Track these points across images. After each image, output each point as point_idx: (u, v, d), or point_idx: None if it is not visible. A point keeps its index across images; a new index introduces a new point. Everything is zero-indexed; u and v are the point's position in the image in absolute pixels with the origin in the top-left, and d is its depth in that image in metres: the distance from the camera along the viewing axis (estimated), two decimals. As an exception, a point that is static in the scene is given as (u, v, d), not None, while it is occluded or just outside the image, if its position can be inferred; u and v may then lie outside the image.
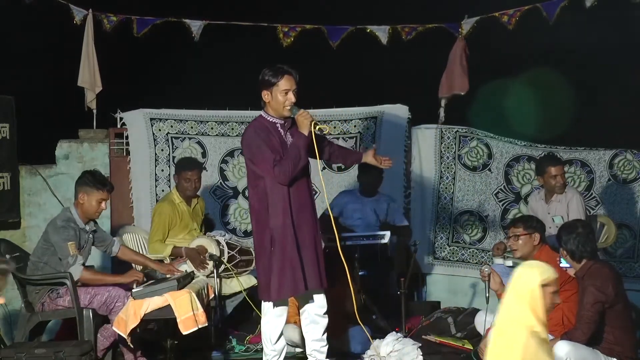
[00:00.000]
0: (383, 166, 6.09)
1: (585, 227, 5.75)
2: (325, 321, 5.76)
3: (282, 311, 5.77)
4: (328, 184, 8.27)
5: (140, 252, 7.44)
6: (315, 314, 5.75)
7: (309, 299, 5.77)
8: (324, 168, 8.43)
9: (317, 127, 5.59)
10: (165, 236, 7.22)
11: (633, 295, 6.96)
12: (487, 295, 6.12)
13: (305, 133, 5.55)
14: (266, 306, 5.76)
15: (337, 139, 8.55)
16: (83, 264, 6.23)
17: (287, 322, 6.55)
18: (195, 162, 7.60)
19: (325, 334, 5.77)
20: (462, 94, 8.65)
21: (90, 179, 6.35)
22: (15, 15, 8.73)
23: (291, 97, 5.60)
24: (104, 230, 6.79)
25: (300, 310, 5.84)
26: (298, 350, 6.50)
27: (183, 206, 7.33)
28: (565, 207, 7.16)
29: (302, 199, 5.67)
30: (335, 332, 6.11)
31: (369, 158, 6.04)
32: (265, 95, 5.65)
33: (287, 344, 6.04)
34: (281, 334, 5.77)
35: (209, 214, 8.01)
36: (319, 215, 6.13)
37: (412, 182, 8.59)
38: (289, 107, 5.62)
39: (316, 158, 5.72)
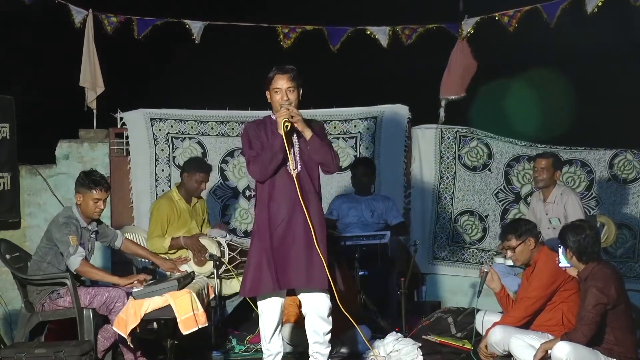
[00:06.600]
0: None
1: (592, 228, 5.74)
2: (328, 324, 5.68)
3: (273, 309, 5.63)
4: (328, 185, 8.27)
5: (141, 252, 7.44)
6: (318, 315, 5.65)
7: (312, 300, 5.65)
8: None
9: (285, 125, 5.48)
10: (164, 232, 7.20)
11: (633, 295, 6.96)
12: (479, 289, 6.16)
13: (280, 132, 5.52)
14: (259, 305, 5.68)
15: (337, 139, 8.55)
16: (85, 258, 6.22)
17: (287, 321, 6.55)
18: (207, 165, 7.48)
19: (329, 336, 5.69)
20: (456, 97, 8.65)
21: (83, 179, 6.31)
22: (15, 16, 8.74)
23: (283, 95, 5.57)
24: (107, 226, 6.76)
25: (304, 311, 5.75)
26: (298, 350, 6.49)
27: (182, 204, 7.30)
28: (561, 208, 7.17)
29: (289, 195, 5.58)
30: (336, 332, 6.08)
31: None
32: (267, 95, 5.67)
33: (287, 343, 6.01)
34: (274, 334, 5.65)
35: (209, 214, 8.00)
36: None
37: (412, 182, 8.59)
38: (284, 106, 5.60)
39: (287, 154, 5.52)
